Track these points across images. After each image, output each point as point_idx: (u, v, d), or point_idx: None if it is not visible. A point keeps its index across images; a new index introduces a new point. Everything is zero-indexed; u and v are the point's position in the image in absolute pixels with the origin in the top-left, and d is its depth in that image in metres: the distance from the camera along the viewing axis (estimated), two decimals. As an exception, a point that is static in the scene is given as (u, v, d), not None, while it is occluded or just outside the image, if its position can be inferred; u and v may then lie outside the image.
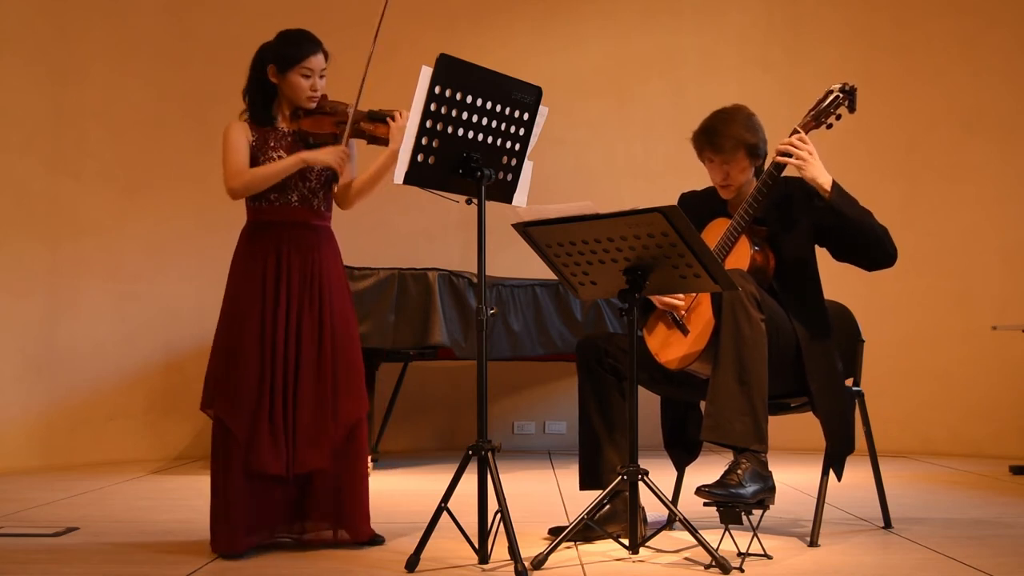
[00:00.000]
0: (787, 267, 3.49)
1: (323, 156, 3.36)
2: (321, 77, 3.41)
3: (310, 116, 3.43)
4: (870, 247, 3.41)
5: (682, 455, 3.69)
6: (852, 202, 3.36)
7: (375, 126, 3.40)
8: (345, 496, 3.35)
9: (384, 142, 3.40)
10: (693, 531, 3.08)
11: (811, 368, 3.41)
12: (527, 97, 3.22)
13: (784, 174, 3.41)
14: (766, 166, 3.46)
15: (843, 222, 3.36)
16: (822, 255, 3.52)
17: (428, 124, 3.04)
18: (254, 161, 3.38)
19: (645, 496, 3.21)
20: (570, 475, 5.05)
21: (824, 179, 3.35)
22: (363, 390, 3.42)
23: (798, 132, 3.39)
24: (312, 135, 3.42)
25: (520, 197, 3.33)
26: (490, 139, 3.17)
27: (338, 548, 3.34)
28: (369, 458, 5.09)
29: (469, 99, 3.09)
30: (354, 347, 3.43)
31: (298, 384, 3.32)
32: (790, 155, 3.35)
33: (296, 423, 3.31)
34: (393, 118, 3.38)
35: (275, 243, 3.37)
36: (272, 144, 3.39)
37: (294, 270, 3.36)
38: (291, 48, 3.38)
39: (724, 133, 3.49)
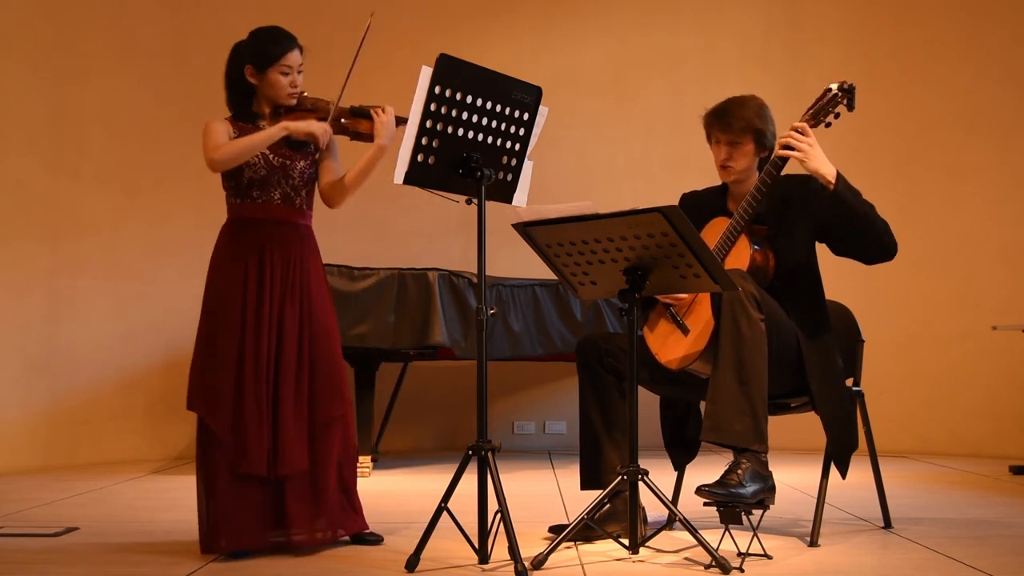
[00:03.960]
0: (787, 267, 3.49)
1: (306, 125, 3.33)
2: (299, 72, 3.40)
3: (291, 113, 3.42)
4: (872, 239, 3.39)
5: (682, 455, 3.70)
6: (856, 193, 3.35)
7: (357, 121, 3.40)
8: (321, 493, 3.33)
9: (367, 138, 3.40)
10: (693, 531, 3.08)
11: (811, 368, 3.41)
12: (527, 97, 3.22)
13: (786, 171, 3.41)
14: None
15: (847, 213, 3.33)
16: (822, 254, 3.52)
17: (428, 124, 3.04)
18: (237, 161, 3.36)
19: (645, 496, 3.21)
20: (570, 475, 5.05)
21: (827, 170, 3.33)
22: (343, 389, 3.41)
23: (798, 125, 3.37)
24: (294, 132, 3.40)
25: (520, 197, 3.33)
26: (490, 139, 3.17)
27: (336, 547, 3.34)
28: (370, 458, 5.14)
29: (469, 99, 3.09)
30: (334, 346, 3.42)
31: (279, 383, 3.30)
32: (791, 148, 3.34)
33: (279, 423, 3.29)
34: (378, 113, 3.38)
35: (257, 241, 3.35)
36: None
37: (277, 269, 3.35)
38: (268, 46, 3.37)
39: (735, 114, 3.50)
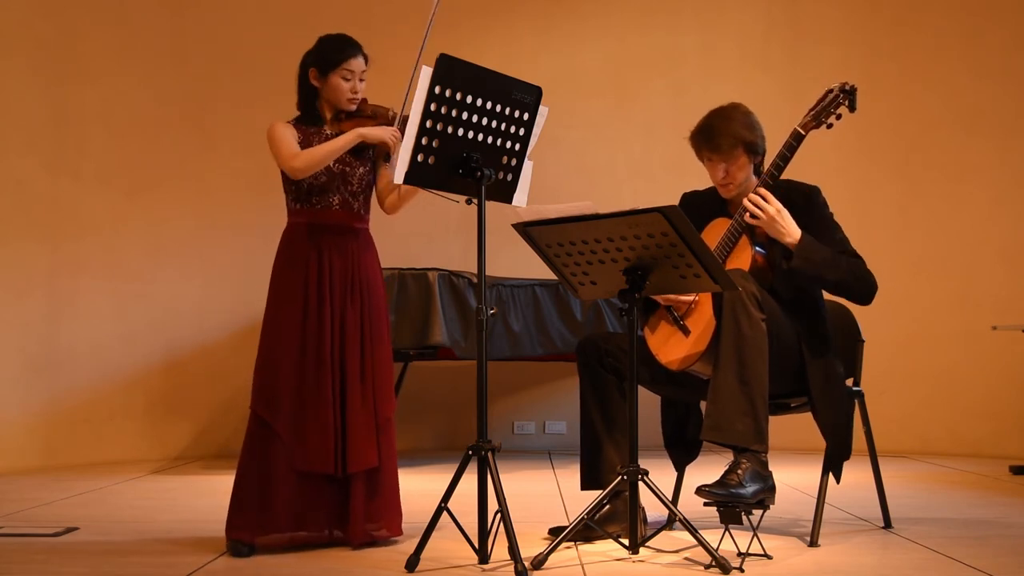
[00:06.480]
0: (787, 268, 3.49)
1: (379, 132, 3.39)
2: (361, 80, 3.46)
3: (352, 119, 3.48)
4: (843, 295, 3.46)
5: (682, 455, 3.69)
6: (815, 263, 3.34)
7: None
8: (384, 493, 3.40)
9: None
10: (693, 531, 3.08)
11: (811, 371, 3.40)
12: (527, 97, 3.22)
13: (786, 175, 3.41)
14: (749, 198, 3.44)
15: (807, 284, 3.42)
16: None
17: (428, 124, 3.04)
18: (317, 168, 3.41)
19: (645, 496, 3.21)
20: (570, 475, 5.05)
21: (791, 240, 3.34)
22: (392, 389, 3.49)
23: (760, 191, 3.38)
24: (368, 138, 3.43)
25: (520, 197, 3.33)
26: (490, 139, 3.17)
27: (338, 548, 3.35)
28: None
29: (469, 99, 3.09)
30: (386, 348, 3.50)
31: (346, 383, 3.37)
32: (757, 216, 3.36)
33: (347, 422, 3.35)
34: None
35: (316, 245, 3.42)
36: (316, 145, 3.42)
37: (336, 272, 3.41)
38: (331, 51, 3.45)
39: (722, 132, 3.49)
